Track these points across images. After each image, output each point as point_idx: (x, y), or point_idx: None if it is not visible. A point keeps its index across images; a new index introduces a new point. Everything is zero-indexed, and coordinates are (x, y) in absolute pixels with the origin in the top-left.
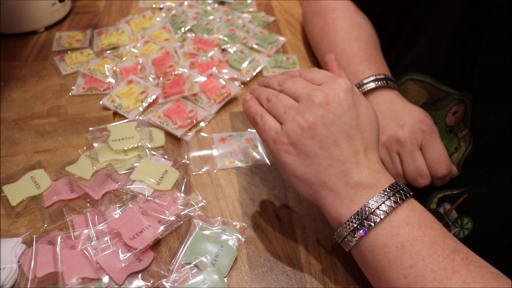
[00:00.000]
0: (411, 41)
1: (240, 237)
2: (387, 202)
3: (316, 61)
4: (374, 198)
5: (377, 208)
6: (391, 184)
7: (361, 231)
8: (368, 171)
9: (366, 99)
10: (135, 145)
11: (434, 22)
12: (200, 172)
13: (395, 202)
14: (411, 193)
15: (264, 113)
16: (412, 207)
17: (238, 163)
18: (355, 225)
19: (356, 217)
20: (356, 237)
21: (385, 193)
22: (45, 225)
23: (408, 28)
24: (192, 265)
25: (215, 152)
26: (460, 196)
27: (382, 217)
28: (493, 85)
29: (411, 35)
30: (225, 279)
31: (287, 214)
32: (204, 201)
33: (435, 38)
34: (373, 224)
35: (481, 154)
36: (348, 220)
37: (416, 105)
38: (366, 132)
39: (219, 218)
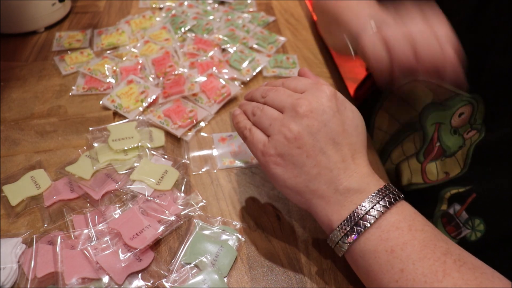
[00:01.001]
0: None
1: (240, 237)
2: (376, 207)
3: (316, 62)
4: (363, 203)
5: (367, 213)
6: (380, 188)
7: (352, 236)
8: (357, 176)
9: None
10: (135, 145)
11: None
12: (200, 172)
13: (384, 206)
14: (402, 196)
15: (252, 127)
16: (402, 210)
17: (238, 163)
18: (345, 231)
19: (346, 223)
20: (347, 243)
21: (374, 197)
22: (45, 225)
23: None
24: (192, 265)
25: (215, 152)
26: (468, 195)
27: (372, 222)
28: (506, 85)
29: None
30: (225, 279)
31: (287, 214)
32: (204, 201)
33: None
34: (363, 230)
35: (490, 151)
36: (338, 226)
37: None
38: (352, 137)
39: (219, 218)
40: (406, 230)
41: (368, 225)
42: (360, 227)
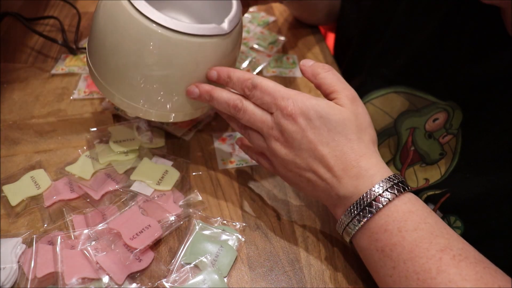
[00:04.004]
0: (389, 53)
1: (240, 237)
2: (359, 216)
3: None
4: (346, 212)
5: (351, 221)
6: (363, 195)
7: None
8: (350, 182)
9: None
10: (136, 147)
11: (412, 35)
12: (200, 172)
13: (370, 211)
14: (394, 197)
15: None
16: (393, 212)
17: (238, 163)
18: (345, 226)
19: (344, 222)
20: (354, 230)
21: (353, 208)
22: (45, 225)
23: (385, 39)
24: (192, 265)
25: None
26: (443, 195)
27: (357, 229)
28: (481, 92)
29: (389, 46)
30: (225, 279)
31: (287, 214)
32: (204, 201)
33: (416, 50)
34: (353, 233)
35: (470, 159)
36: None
37: None
38: (361, 132)
39: (219, 218)
40: (395, 232)
41: (356, 229)
42: (350, 230)
